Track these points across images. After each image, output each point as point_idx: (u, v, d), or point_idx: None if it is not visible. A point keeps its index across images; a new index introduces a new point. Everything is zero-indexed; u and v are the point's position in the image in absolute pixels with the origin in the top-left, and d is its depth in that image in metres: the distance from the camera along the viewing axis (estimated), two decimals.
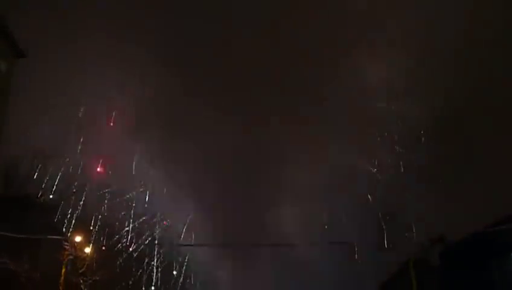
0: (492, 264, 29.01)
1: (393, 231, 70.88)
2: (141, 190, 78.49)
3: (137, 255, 72.38)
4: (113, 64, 71.70)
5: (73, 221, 55.27)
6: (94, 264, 37.94)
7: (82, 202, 61.58)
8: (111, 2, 78.84)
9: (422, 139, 75.98)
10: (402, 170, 76.65)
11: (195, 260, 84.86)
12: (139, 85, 79.52)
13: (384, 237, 73.63)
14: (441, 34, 72.16)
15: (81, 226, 50.15)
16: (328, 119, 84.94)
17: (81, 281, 34.74)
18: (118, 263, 58.81)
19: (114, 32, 74.89)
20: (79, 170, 66.03)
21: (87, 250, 33.98)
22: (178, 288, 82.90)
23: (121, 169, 74.69)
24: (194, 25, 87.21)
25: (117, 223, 69.30)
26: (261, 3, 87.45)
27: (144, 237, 76.40)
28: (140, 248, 73.18)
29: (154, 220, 79.83)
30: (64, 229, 45.56)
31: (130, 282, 64.89)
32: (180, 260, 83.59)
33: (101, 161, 72.14)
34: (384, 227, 73.98)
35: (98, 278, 37.14)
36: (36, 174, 36.09)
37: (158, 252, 78.72)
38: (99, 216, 65.90)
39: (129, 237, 71.87)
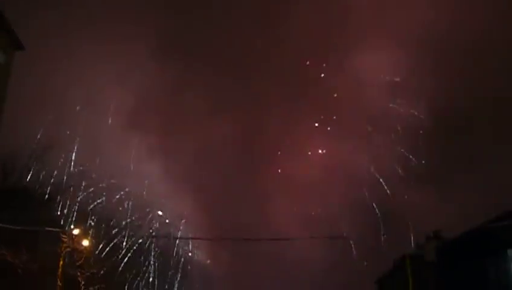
0: (487, 261, 29.14)
1: (390, 228, 71.19)
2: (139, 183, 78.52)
3: (134, 249, 72.51)
4: (111, 56, 71.75)
5: (71, 214, 55.46)
6: (92, 257, 38.15)
7: (80, 195, 61.80)
8: None
9: (421, 138, 76.13)
10: (400, 168, 76.83)
11: (192, 255, 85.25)
12: (137, 77, 79.58)
13: (382, 233, 74.09)
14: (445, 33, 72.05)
15: (79, 219, 50.34)
16: (328, 114, 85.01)
17: (79, 273, 34.84)
18: (116, 256, 59.00)
19: (112, 24, 74.80)
20: (77, 163, 66.24)
21: (85, 243, 34.02)
22: (175, 282, 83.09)
23: (118, 162, 74.64)
24: (193, 18, 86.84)
25: (114, 220, 69.40)
26: None
27: (141, 231, 76.54)
28: (139, 241, 73.29)
29: (151, 215, 79.98)
30: (62, 222, 45.66)
31: (128, 275, 65.07)
32: (178, 254, 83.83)
33: (99, 154, 72.03)
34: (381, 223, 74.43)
35: (95, 271, 37.29)
36: (34, 166, 36.00)
37: (156, 246, 78.93)
38: (97, 209, 66.06)
39: (127, 231, 71.96)
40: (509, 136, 66.19)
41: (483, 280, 29.29)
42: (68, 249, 31.85)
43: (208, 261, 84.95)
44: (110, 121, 76.61)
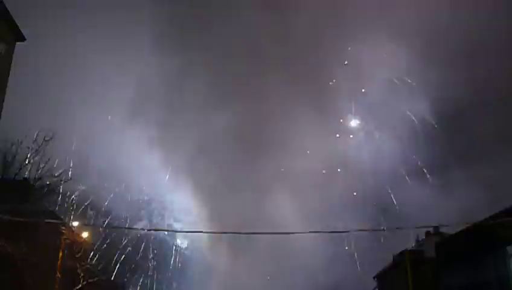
0: (487, 257, 29.14)
1: (390, 224, 71.23)
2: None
3: (134, 242, 72.59)
4: (111, 47, 71.59)
5: (71, 206, 55.51)
6: (91, 250, 38.23)
7: (80, 187, 61.82)
8: None
9: (421, 133, 76.19)
10: (400, 163, 76.91)
11: (191, 247, 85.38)
12: (137, 68, 79.34)
13: (381, 228, 74.18)
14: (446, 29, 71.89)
15: (79, 211, 50.38)
16: (330, 107, 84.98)
17: (78, 265, 34.87)
18: (115, 248, 59.10)
19: (112, 15, 74.60)
20: (77, 155, 66.16)
21: (85, 235, 34.06)
22: (174, 275, 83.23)
23: (118, 154, 74.51)
24: (194, 8, 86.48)
25: (113, 213, 69.48)
26: None
27: (140, 222, 76.68)
28: (138, 233, 73.31)
29: (153, 205, 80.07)
30: (62, 213, 45.66)
31: (127, 268, 65.18)
32: (177, 246, 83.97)
33: (100, 146, 71.92)
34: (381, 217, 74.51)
35: (94, 263, 37.37)
36: (34, 158, 35.89)
37: (155, 238, 78.98)
38: (97, 202, 66.13)
39: (127, 222, 72.05)
40: (510, 132, 66.21)
41: (483, 276, 29.30)
42: (68, 241, 31.87)
43: (207, 254, 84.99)
44: (110, 112, 76.64)
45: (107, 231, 57.44)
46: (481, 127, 69.46)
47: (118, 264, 60.72)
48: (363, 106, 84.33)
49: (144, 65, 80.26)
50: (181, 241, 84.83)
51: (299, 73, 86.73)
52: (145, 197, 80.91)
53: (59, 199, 47.67)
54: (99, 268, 38.45)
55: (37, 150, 36.28)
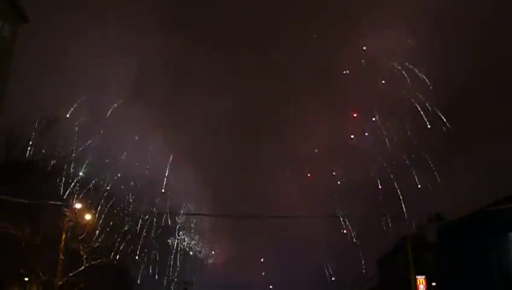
0: (488, 243, 29.24)
1: (392, 209, 71.39)
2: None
3: (137, 224, 72.89)
4: (114, 25, 71.17)
5: (74, 188, 55.63)
6: (96, 231, 38.40)
7: (83, 169, 61.97)
8: None
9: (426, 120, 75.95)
10: (403, 149, 76.82)
11: (193, 230, 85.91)
12: (140, 51, 78.97)
13: (383, 214, 74.34)
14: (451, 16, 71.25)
15: (82, 192, 50.43)
16: (332, 93, 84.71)
17: (81, 247, 35.05)
18: (119, 231, 59.32)
19: None
20: (80, 137, 66.22)
21: (88, 217, 34.14)
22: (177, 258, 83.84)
23: (121, 137, 74.53)
24: None
25: (115, 197, 69.62)
26: None
27: (143, 206, 76.95)
28: (140, 217, 73.57)
29: (156, 187, 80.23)
30: (65, 196, 45.85)
31: (130, 250, 65.54)
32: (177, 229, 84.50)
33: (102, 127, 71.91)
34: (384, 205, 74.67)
35: (97, 245, 37.51)
36: (38, 140, 35.94)
37: (157, 222, 79.34)
38: (100, 184, 66.26)
39: (130, 206, 72.33)
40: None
41: (484, 261, 29.43)
42: (71, 223, 31.98)
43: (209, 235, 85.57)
44: (113, 95, 76.38)
45: (111, 213, 57.64)
46: (484, 112, 69.40)
47: (122, 246, 61.10)
48: (367, 92, 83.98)
49: (147, 45, 79.87)
50: (184, 223, 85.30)
51: (305, 61, 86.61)
52: (148, 179, 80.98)
53: (62, 181, 47.93)
54: (102, 250, 38.57)
55: (40, 132, 36.36)
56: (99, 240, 38.79)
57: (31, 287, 36.56)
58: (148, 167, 79.64)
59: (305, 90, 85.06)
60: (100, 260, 36.94)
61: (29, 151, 36.42)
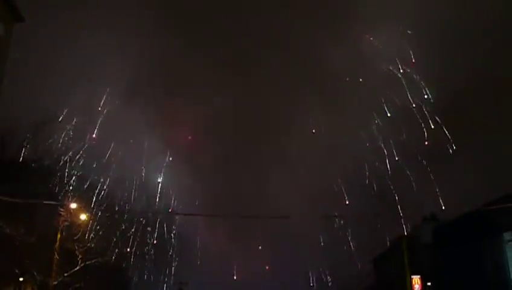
0: (483, 243, 29.32)
1: (386, 209, 71.41)
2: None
3: (133, 225, 72.63)
4: (112, 24, 71.03)
5: (69, 188, 55.43)
6: (91, 231, 38.31)
7: (78, 169, 61.74)
8: None
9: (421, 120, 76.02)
10: (399, 149, 76.86)
11: (190, 230, 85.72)
12: (137, 50, 78.80)
13: (377, 213, 74.36)
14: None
15: (78, 192, 50.22)
16: (331, 93, 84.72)
17: (76, 247, 34.98)
18: (114, 231, 59.15)
19: None
20: (76, 137, 65.97)
21: (83, 217, 34.06)
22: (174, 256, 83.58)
23: (117, 135, 74.29)
24: None
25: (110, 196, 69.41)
26: None
27: (139, 204, 76.70)
28: (135, 217, 73.28)
29: (151, 187, 80.00)
30: (60, 195, 45.68)
31: (125, 251, 65.31)
32: (174, 229, 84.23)
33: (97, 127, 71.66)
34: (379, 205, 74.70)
35: (92, 245, 37.43)
36: (33, 139, 35.85)
37: (153, 222, 79.10)
38: (95, 184, 66.02)
39: (126, 205, 72.03)
40: (509, 119, 66.13)
41: (479, 261, 29.51)
42: (66, 223, 31.90)
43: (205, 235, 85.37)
44: (108, 95, 76.10)
45: (106, 213, 57.44)
46: (481, 115, 69.56)
47: (117, 246, 60.91)
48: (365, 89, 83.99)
49: (143, 44, 79.74)
50: (179, 223, 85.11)
51: (304, 59, 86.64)
52: (144, 179, 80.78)
53: (57, 181, 47.77)
54: (97, 250, 38.48)
55: (35, 132, 36.26)
56: (95, 240, 38.72)
57: (26, 287, 36.41)
58: (143, 167, 79.43)
59: (304, 90, 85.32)
60: (95, 260, 36.88)
61: (24, 151, 36.32)
